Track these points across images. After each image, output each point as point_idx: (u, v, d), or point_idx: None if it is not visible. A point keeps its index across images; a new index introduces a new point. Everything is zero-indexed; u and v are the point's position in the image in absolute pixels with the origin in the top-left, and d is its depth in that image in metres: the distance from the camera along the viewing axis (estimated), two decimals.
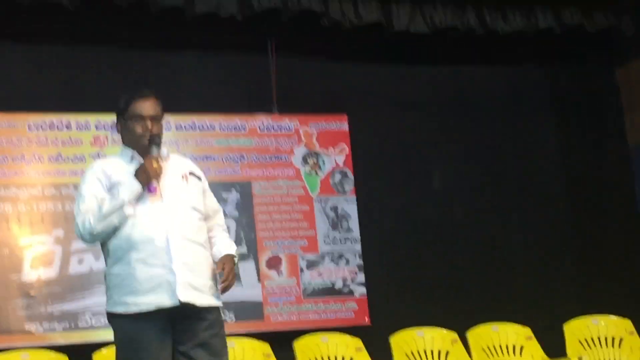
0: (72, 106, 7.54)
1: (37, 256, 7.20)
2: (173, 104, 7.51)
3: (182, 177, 4.58)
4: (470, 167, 8.86)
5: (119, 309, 4.39)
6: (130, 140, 4.61)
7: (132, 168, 4.49)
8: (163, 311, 4.33)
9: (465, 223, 8.70)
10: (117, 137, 7.16)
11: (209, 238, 4.63)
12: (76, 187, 7.05)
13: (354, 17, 7.86)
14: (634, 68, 9.06)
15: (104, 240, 4.46)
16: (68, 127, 7.46)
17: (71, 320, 7.17)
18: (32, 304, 7.09)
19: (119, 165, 4.56)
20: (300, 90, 8.36)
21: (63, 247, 7.25)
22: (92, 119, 7.51)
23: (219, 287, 4.50)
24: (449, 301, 8.30)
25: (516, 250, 8.77)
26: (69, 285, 7.22)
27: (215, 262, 4.57)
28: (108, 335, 7.11)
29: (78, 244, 7.23)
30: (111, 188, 4.45)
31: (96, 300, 7.16)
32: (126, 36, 7.77)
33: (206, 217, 4.64)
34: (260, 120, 8.05)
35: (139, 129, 4.55)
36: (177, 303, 4.32)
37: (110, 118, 7.28)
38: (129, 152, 4.60)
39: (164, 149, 4.59)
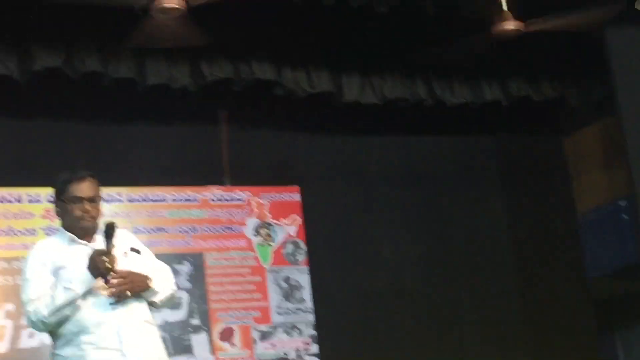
0: (23, 180, 7.48)
1: None
2: (125, 176, 7.63)
3: (124, 254, 4.51)
4: (421, 237, 8.90)
5: None
6: (68, 222, 4.54)
7: (75, 250, 4.44)
8: None
9: (416, 293, 8.71)
10: None
11: None
12: None
13: (307, 86, 7.90)
14: (580, 137, 9.19)
15: (56, 328, 4.38)
16: (19, 200, 7.42)
17: None
18: None
19: (60, 248, 4.49)
20: (252, 161, 8.40)
21: (14, 322, 7.15)
22: (43, 192, 7.44)
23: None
24: None
25: (467, 317, 8.78)
26: None
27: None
28: None
29: None
30: (55, 271, 4.39)
31: None
32: (78, 108, 7.76)
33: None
34: (212, 192, 8.06)
35: (77, 212, 4.48)
36: None
37: None
38: (67, 235, 4.53)
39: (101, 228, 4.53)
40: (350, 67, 8.11)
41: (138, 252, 4.64)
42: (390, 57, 8.13)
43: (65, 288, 4.32)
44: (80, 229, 4.49)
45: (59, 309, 4.30)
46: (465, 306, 8.84)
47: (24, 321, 7.04)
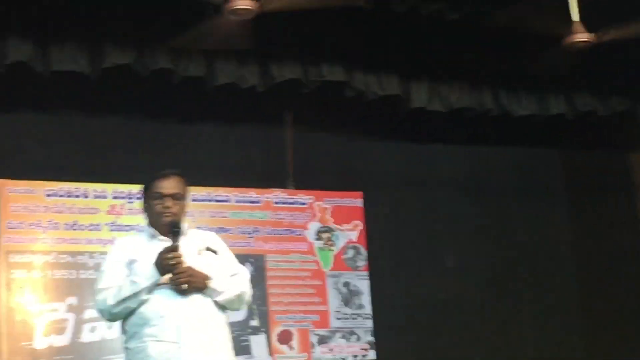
0: (90, 176, 7.55)
1: (49, 324, 7.16)
2: (189, 176, 7.61)
3: (197, 253, 4.64)
4: (483, 247, 8.85)
5: None
6: (150, 218, 4.71)
7: (152, 246, 4.57)
8: None
9: (476, 303, 8.66)
10: (133, 206, 7.40)
11: None
12: (91, 255, 7.27)
13: (377, 89, 7.87)
14: None
15: (121, 319, 4.57)
16: (85, 195, 7.47)
17: None
18: None
19: (139, 243, 4.66)
20: (316, 165, 8.40)
21: (76, 315, 7.22)
22: (109, 188, 7.53)
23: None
24: None
25: (527, 331, 8.72)
26: (80, 354, 7.16)
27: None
28: None
29: (91, 313, 7.17)
30: (129, 265, 4.55)
31: None
32: (146, 106, 7.80)
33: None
34: (275, 194, 8.06)
35: (158, 208, 4.63)
36: None
37: (127, 187, 7.48)
38: (151, 230, 4.68)
39: (185, 226, 4.67)
40: (419, 74, 8.06)
41: (214, 252, 4.72)
42: (458, 66, 8.06)
43: (132, 281, 4.47)
44: (161, 225, 4.61)
45: (123, 300, 4.46)
46: (526, 319, 8.77)
47: (86, 315, 7.19)
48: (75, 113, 7.72)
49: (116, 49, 7.10)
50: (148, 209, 4.71)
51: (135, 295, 4.44)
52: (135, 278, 4.47)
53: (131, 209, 7.50)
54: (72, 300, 7.24)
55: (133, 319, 4.49)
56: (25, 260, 7.20)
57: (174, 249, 4.48)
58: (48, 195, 7.37)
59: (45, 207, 7.34)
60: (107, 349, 7.20)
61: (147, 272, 4.47)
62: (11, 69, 7.01)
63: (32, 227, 7.28)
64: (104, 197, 7.52)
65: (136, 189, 7.43)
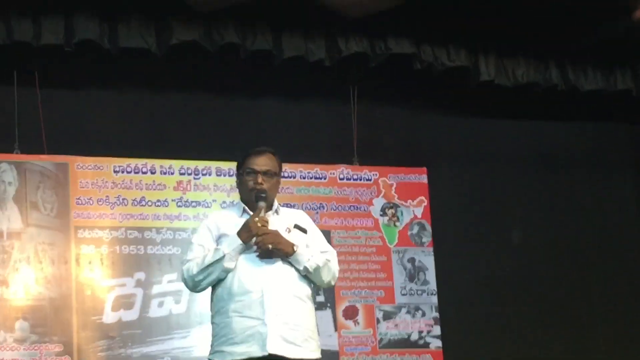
0: (157, 152, 7.59)
1: (118, 298, 7.21)
2: (248, 150, 7.63)
3: (286, 230, 4.66)
4: (550, 223, 8.74)
5: (216, 357, 4.53)
6: (243, 194, 4.76)
7: (242, 221, 4.60)
8: None
9: (543, 279, 8.56)
10: (199, 182, 7.44)
11: None
12: (158, 231, 7.31)
13: (446, 60, 7.83)
14: None
15: (204, 288, 4.64)
16: (152, 171, 7.49)
17: None
18: (112, 346, 7.08)
19: (230, 218, 4.71)
20: (381, 141, 8.35)
21: (144, 290, 7.26)
22: (176, 164, 7.54)
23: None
24: (527, 357, 8.17)
25: (595, 308, 8.61)
26: (148, 329, 7.21)
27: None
28: None
29: (159, 288, 7.28)
30: (219, 239, 4.62)
31: (175, 344, 7.21)
32: (212, 82, 7.81)
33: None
34: (340, 170, 8.03)
35: (250, 184, 4.67)
36: (267, 354, 4.39)
37: (194, 164, 7.50)
38: (242, 205, 4.74)
39: (275, 203, 4.72)
40: (487, 48, 8.01)
41: (304, 231, 4.74)
42: (525, 41, 7.97)
43: (216, 249, 4.55)
44: (252, 201, 4.64)
45: (206, 267, 4.51)
46: (592, 295, 8.66)
47: (154, 290, 7.25)
48: (142, 90, 7.76)
49: (183, 25, 7.12)
50: (240, 185, 4.76)
51: (217, 261, 4.49)
52: (219, 246, 4.55)
53: (197, 185, 7.54)
54: (140, 275, 7.29)
55: (220, 294, 4.55)
56: (94, 236, 7.25)
57: (257, 215, 4.54)
58: (116, 172, 7.40)
59: (113, 183, 7.37)
60: (175, 323, 7.26)
61: (230, 240, 4.53)
62: (79, 46, 7.07)
63: (100, 203, 7.31)
64: (171, 173, 7.54)
65: (202, 165, 7.54)
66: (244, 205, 4.72)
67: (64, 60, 7.26)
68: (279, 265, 4.55)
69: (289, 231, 4.66)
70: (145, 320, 7.23)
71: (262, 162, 4.71)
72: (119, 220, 7.34)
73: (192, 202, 7.49)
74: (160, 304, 7.25)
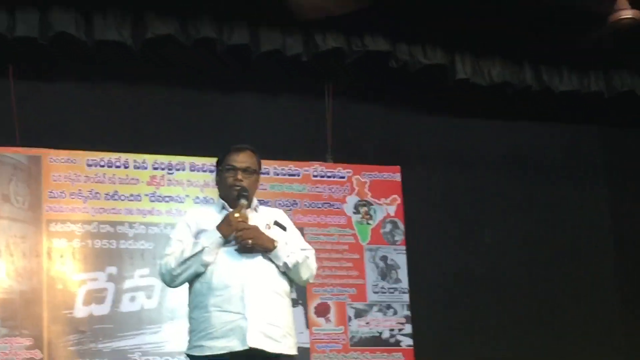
0: (131, 146, 7.53)
1: (89, 292, 7.15)
2: (229, 147, 7.60)
3: (265, 226, 4.67)
4: (522, 223, 8.76)
5: (195, 352, 4.52)
6: (222, 190, 4.76)
7: (221, 218, 4.59)
8: (234, 356, 4.41)
9: (514, 279, 8.57)
10: (173, 177, 7.40)
11: None
12: (131, 225, 7.27)
13: (422, 58, 7.84)
14: None
15: (182, 283, 4.62)
16: (126, 165, 7.44)
17: (120, 358, 7.08)
18: (82, 340, 7.02)
19: (209, 214, 4.70)
20: (356, 138, 8.34)
21: (116, 285, 7.21)
22: (149, 159, 7.50)
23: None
24: (497, 356, 8.18)
25: (564, 309, 8.62)
26: (119, 323, 7.16)
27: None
28: None
29: (131, 283, 7.23)
30: (197, 234, 4.61)
31: (146, 340, 7.15)
32: (187, 77, 7.77)
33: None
34: (314, 167, 8.01)
35: (229, 180, 4.67)
36: (247, 348, 4.38)
37: (167, 159, 7.46)
38: (221, 202, 4.73)
39: (254, 201, 4.74)
40: (463, 47, 8.02)
41: (283, 228, 4.77)
42: (500, 41, 7.98)
43: (194, 243, 4.54)
44: (231, 197, 4.65)
45: (184, 261, 4.50)
46: (561, 296, 8.66)
47: (125, 285, 7.21)
48: (117, 83, 7.69)
49: (159, 18, 7.08)
50: (220, 181, 4.77)
51: (196, 255, 4.48)
52: (197, 240, 4.54)
53: (171, 180, 7.50)
54: (112, 269, 7.23)
55: (198, 288, 4.53)
56: (66, 230, 7.19)
57: (239, 211, 4.54)
58: (89, 165, 7.34)
59: (86, 176, 7.32)
60: (146, 318, 7.21)
61: (209, 234, 4.52)
62: (55, 39, 7.01)
63: (72, 196, 7.26)
64: (144, 167, 7.49)
65: (176, 160, 7.50)
66: (223, 202, 4.71)
67: (39, 53, 7.20)
68: (258, 261, 4.55)
69: (269, 227, 4.67)
70: (117, 315, 7.18)
71: (242, 159, 4.72)
72: (92, 214, 7.28)
73: (165, 197, 7.45)
74: (132, 299, 7.20)
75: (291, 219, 7.55)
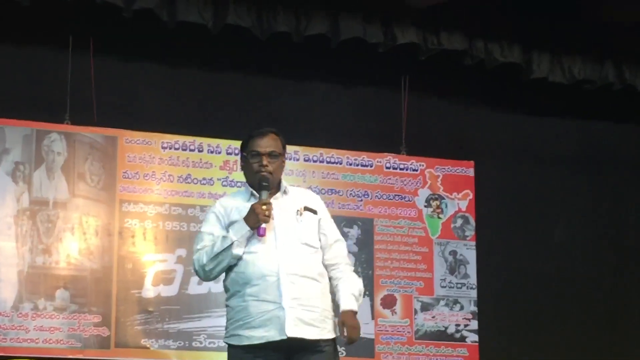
0: (205, 130, 7.50)
1: (158, 273, 7.15)
2: (303, 135, 7.56)
3: (297, 212, 4.55)
4: (593, 223, 8.57)
5: (233, 341, 4.42)
6: (248, 177, 4.62)
7: (249, 205, 4.47)
8: (274, 345, 4.32)
9: (582, 279, 8.39)
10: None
11: (332, 278, 4.56)
12: (202, 209, 7.22)
13: (499, 55, 7.70)
14: None
15: (215, 277, 4.53)
16: (200, 149, 7.40)
17: (186, 339, 7.08)
18: (149, 320, 7.04)
19: (238, 204, 4.55)
20: (430, 132, 8.21)
21: (184, 267, 7.17)
22: (223, 143, 7.45)
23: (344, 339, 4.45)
24: (563, 357, 8.06)
25: (634, 311, 8.43)
26: (186, 305, 7.15)
27: (334, 301, 4.54)
28: (221, 358, 7.12)
29: None
30: (229, 226, 4.49)
31: (212, 323, 7.12)
32: (265, 64, 7.72)
33: (324, 248, 4.58)
34: (387, 159, 7.90)
35: (255, 166, 4.54)
36: (285, 337, 4.30)
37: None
38: (249, 190, 4.60)
39: (283, 184, 4.58)
40: (542, 44, 7.84)
41: (314, 212, 4.60)
42: (582, 38, 7.79)
43: (223, 237, 4.42)
44: (257, 183, 4.51)
45: (216, 256, 4.40)
46: (630, 297, 8.48)
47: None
48: (194, 68, 7.65)
49: (241, 5, 7.04)
50: (246, 168, 4.64)
51: (226, 250, 4.38)
52: (226, 234, 4.43)
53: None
54: (181, 252, 7.21)
55: (234, 278, 4.44)
56: (138, 210, 7.18)
57: (264, 203, 4.40)
58: (163, 148, 7.31)
59: (160, 158, 7.29)
60: (213, 302, 7.16)
61: (237, 227, 4.41)
62: (137, 14, 6.97)
63: (146, 178, 7.24)
64: (218, 152, 7.45)
65: None
66: (251, 189, 4.59)
67: (119, 30, 7.19)
68: (292, 248, 4.44)
69: (301, 213, 4.53)
70: (184, 297, 7.16)
71: (265, 143, 4.55)
72: (164, 196, 7.27)
73: (237, 182, 7.40)
74: (200, 282, 7.13)
75: (361, 210, 7.66)
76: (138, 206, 7.18)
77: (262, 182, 4.46)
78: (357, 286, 4.61)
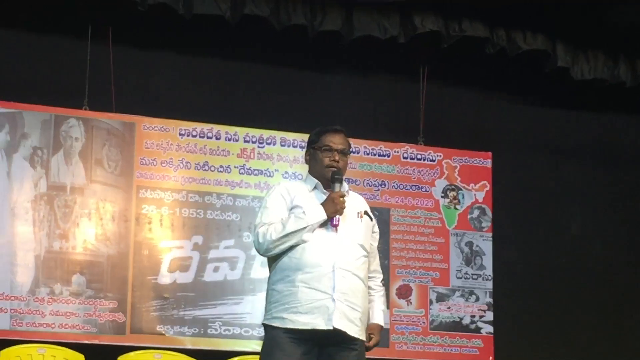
0: (223, 118, 7.44)
1: (174, 260, 7.10)
2: (321, 124, 7.42)
3: (358, 215, 4.62)
4: (610, 216, 8.48)
5: (275, 323, 4.43)
6: (317, 170, 4.65)
7: (313, 196, 4.57)
8: (315, 334, 4.36)
9: (600, 272, 8.31)
10: (263, 151, 7.27)
11: (369, 287, 4.67)
12: (219, 196, 7.15)
13: (522, 42, 7.60)
14: None
15: (275, 254, 4.51)
16: (217, 137, 7.34)
17: (201, 326, 7.04)
18: (165, 307, 6.99)
19: (302, 191, 4.61)
20: (448, 122, 8.13)
21: (200, 254, 7.13)
22: (241, 131, 7.39)
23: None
24: (577, 350, 7.96)
25: None
26: (202, 292, 7.10)
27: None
28: (236, 345, 7.12)
29: (215, 253, 7.16)
30: (291, 209, 4.52)
31: (227, 310, 7.09)
32: (282, 54, 7.64)
33: (369, 256, 4.68)
34: (405, 149, 7.81)
35: (326, 160, 4.60)
36: (331, 328, 4.34)
37: (259, 132, 7.34)
38: (314, 181, 4.64)
39: (345, 184, 4.61)
40: (563, 36, 7.75)
41: (371, 218, 4.71)
42: (601, 33, 7.73)
43: (297, 217, 4.45)
44: (325, 178, 4.58)
45: (287, 235, 4.42)
46: None
47: (210, 255, 7.15)
48: (212, 56, 7.62)
49: None
50: (313, 160, 4.66)
51: (299, 231, 4.41)
52: (301, 215, 4.44)
53: (261, 154, 7.40)
54: (198, 239, 7.17)
55: (287, 262, 4.46)
56: (155, 197, 7.14)
57: (342, 195, 4.48)
58: (181, 135, 7.26)
59: (177, 145, 7.24)
60: (229, 289, 7.13)
61: (313, 211, 4.45)
62: (153, 8, 6.94)
63: (164, 164, 7.19)
64: (236, 140, 7.38)
65: (267, 134, 7.38)
66: (316, 181, 4.62)
67: (137, 20, 7.14)
68: (350, 243, 4.50)
69: (361, 217, 4.62)
70: (200, 284, 7.11)
71: (338, 140, 4.64)
72: (181, 183, 7.21)
73: (254, 170, 7.35)
74: (216, 269, 7.12)
75: (378, 200, 7.59)
76: (155, 192, 7.13)
77: (335, 175, 4.55)
78: (386, 302, 4.81)
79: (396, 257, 7.64)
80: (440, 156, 7.89)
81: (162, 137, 7.22)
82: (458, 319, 7.71)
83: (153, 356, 6.79)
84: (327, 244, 4.44)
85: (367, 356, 6.68)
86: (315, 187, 4.61)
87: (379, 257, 7.27)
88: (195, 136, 7.29)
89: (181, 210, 7.17)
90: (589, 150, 8.57)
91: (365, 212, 4.65)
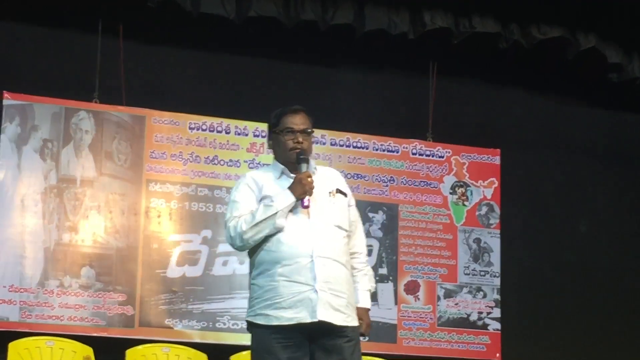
0: (233, 113, 7.42)
1: (183, 254, 7.08)
2: (330, 120, 7.46)
3: (330, 193, 4.37)
4: (619, 215, 8.43)
5: (259, 320, 4.26)
6: (281, 155, 4.44)
7: (281, 183, 4.34)
8: (301, 327, 4.18)
9: (606, 270, 8.25)
10: None
11: (352, 267, 4.45)
12: (229, 191, 7.06)
13: (537, 33, 7.58)
14: None
15: (251, 246, 4.33)
16: (227, 131, 7.32)
17: (209, 320, 7.02)
18: (174, 300, 6.97)
19: (269, 179, 4.40)
20: (457, 119, 8.10)
21: (209, 248, 7.11)
22: (250, 125, 7.37)
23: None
24: (584, 348, 7.92)
25: None
26: (211, 286, 7.08)
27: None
28: (244, 339, 7.06)
29: (224, 247, 7.08)
30: (261, 200, 4.31)
31: (236, 304, 7.04)
32: (291, 49, 7.62)
33: (350, 233, 4.45)
34: (414, 145, 7.78)
35: (290, 143, 4.39)
36: (316, 320, 4.16)
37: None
38: (280, 167, 4.44)
39: (312, 163, 4.40)
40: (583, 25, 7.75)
41: (344, 194, 4.44)
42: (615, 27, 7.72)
43: (266, 205, 4.24)
44: (291, 162, 4.35)
45: (257, 224, 4.24)
46: None
47: (219, 249, 7.10)
48: (221, 51, 7.60)
49: None
50: (277, 145, 4.47)
51: (268, 219, 4.22)
52: (269, 202, 4.25)
53: (271, 149, 7.35)
54: (207, 233, 7.14)
55: (264, 256, 4.28)
56: (165, 190, 7.12)
57: (309, 175, 4.27)
58: (191, 128, 7.24)
59: (187, 139, 7.22)
60: (238, 283, 7.10)
61: (280, 195, 4.25)
62: (162, 5, 6.94)
63: (173, 158, 7.17)
64: (245, 134, 7.36)
65: None
66: (282, 166, 4.42)
67: (147, 16, 7.13)
68: (325, 227, 4.29)
69: (333, 195, 4.38)
70: (209, 278, 7.09)
71: (299, 120, 4.44)
72: (191, 177, 7.19)
73: (264, 164, 7.30)
74: (225, 263, 7.10)
75: (387, 195, 7.56)
76: (165, 186, 7.11)
77: (300, 155, 4.33)
78: (372, 281, 4.57)
79: (404, 252, 7.61)
80: (449, 152, 7.86)
81: (172, 130, 7.19)
82: (465, 316, 7.68)
83: (161, 349, 6.77)
84: (303, 233, 4.25)
85: (374, 352, 6.70)
86: (282, 173, 4.40)
87: (387, 252, 7.39)
88: (205, 130, 7.27)
89: (190, 204, 7.15)
90: (598, 147, 8.55)
91: (338, 190, 4.42)
